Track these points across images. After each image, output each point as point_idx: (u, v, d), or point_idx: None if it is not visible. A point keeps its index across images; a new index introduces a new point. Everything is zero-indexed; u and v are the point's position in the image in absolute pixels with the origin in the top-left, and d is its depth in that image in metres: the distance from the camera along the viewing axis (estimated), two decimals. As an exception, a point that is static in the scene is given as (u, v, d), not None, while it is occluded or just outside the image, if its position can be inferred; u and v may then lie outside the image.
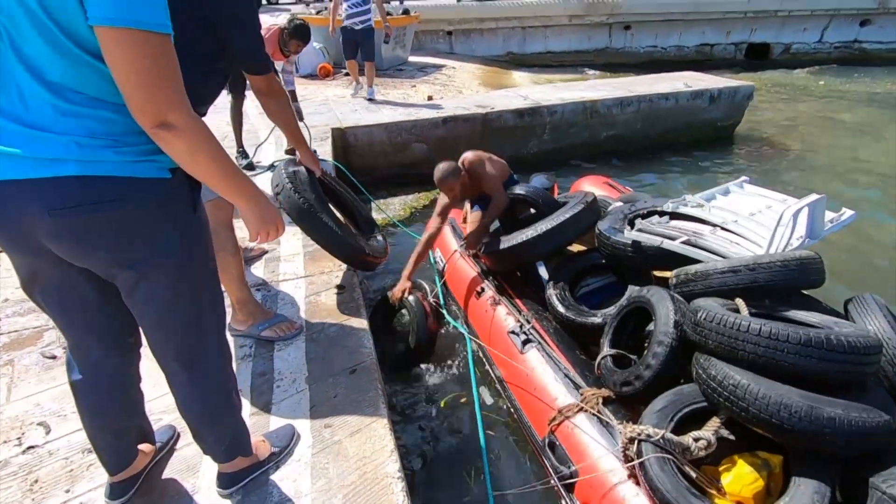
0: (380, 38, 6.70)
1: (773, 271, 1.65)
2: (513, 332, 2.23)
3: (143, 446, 1.41)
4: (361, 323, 2.17)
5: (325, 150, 4.51)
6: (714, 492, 1.40)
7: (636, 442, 1.48)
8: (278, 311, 2.21)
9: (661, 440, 1.45)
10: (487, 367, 2.47)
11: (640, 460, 1.44)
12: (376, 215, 4.19)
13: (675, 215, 2.27)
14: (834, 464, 1.36)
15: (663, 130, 6.71)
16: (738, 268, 1.69)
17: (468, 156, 2.73)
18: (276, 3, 14.45)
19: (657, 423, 1.51)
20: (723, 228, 2.06)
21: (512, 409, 2.22)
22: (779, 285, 1.65)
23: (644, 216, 2.32)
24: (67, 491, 1.43)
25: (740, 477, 1.41)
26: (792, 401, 1.31)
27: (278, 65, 4.24)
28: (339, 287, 2.42)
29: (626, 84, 7.13)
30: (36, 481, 1.45)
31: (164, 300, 1.06)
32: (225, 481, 1.39)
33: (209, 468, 1.48)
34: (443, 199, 2.75)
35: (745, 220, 2.04)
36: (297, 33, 3.67)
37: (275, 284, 2.46)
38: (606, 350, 1.91)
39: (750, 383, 1.37)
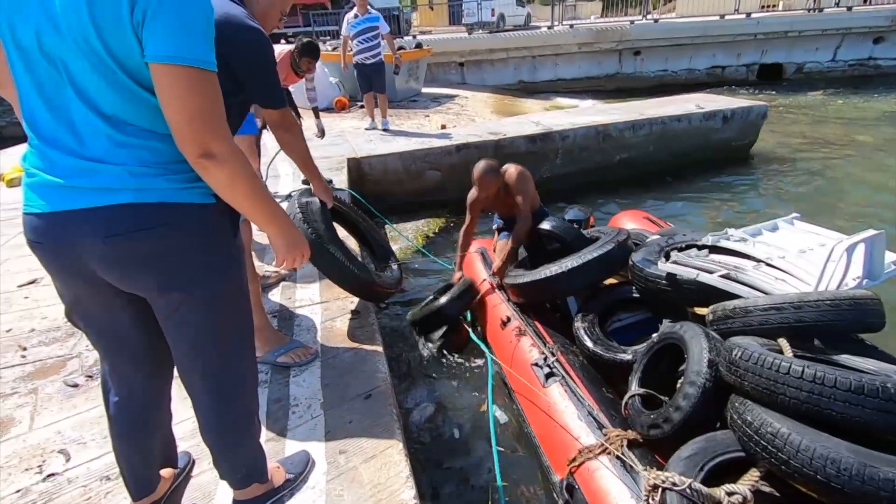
0: (391, 71, 6.89)
1: (822, 311, 1.50)
2: (536, 365, 2.15)
3: (165, 471, 1.41)
4: (376, 348, 2.17)
5: (340, 180, 4.60)
6: None
7: (660, 491, 1.35)
8: (294, 336, 2.23)
9: (687, 489, 1.32)
10: (508, 399, 2.42)
11: None
12: (397, 245, 4.25)
13: (715, 249, 2.14)
14: None
15: (676, 152, 6.70)
16: (783, 305, 1.55)
17: (510, 168, 2.79)
18: (289, 40, 15.09)
19: (685, 471, 1.38)
20: (768, 264, 1.91)
21: (531, 445, 2.14)
22: (829, 327, 1.51)
23: (682, 249, 2.20)
24: (85, 519, 1.43)
25: None
26: (841, 456, 1.16)
27: (299, 84, 4.41)
28: (354, 312, 2.43)
29: (637, 108, 7.18)
30: (55, 509, 1.46)
31: (201, 323, 1.09)
32: (241, 509, 1.38)
33: (224, 496, 1.48)
34: (473, 195, 2.87)
35: (794, 257, 1.90)
36: (306, 51, 3.79)
37: (291, 310, 2.49)
38: (635, 389, 1.81)
39: (791, 433, 1.24)
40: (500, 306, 2.69)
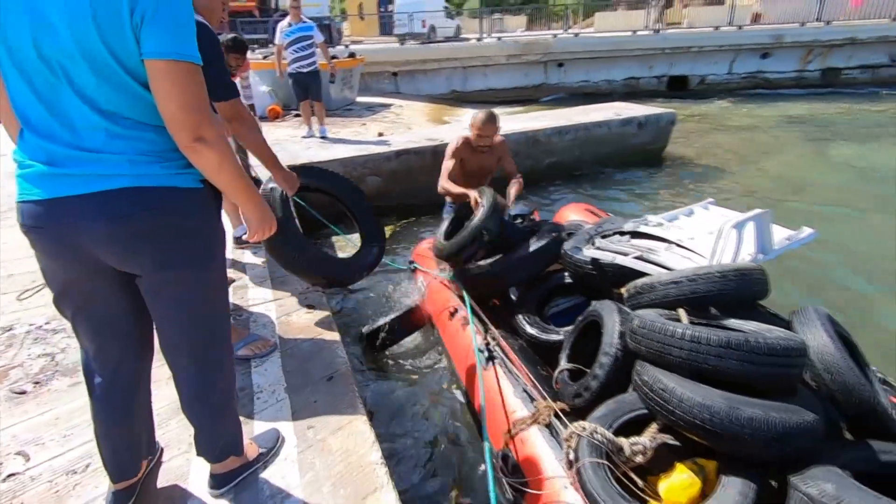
0: (326, 79, 6.96)
1: (712, 282, 1.66)
2: (479, 350, 2.28)
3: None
4: (334, 336, 2.29)
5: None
6: (650, 498, 1.40)
7: (575, 440, 1.51)
8: (252, 332, 2.30)
9: (594, 434, 1.48)
10: (456, 382, 2.60)
11: (577, 465, 1.46)
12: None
13: (636, 234, 2.33)
14: (760, 466, 1.36)
15: (599, 155, 7.27)
16: (680, 279, 1.72)
17: (499, 137, 3.05)
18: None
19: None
20: (678, 245, 2.10)
21: (476, 423, 2.27)
22: (719, 295, 1.66)
23: (606, 236, 2.37)
24: (56, 510, 1.45)
25: (676, 483, 1.42)
26: (714, 402, 1.31)
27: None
28: (309, 306, 2.54)
29: (563, 115, 7.71)
30: (21, 504, 1.47)
31: (193, 300, 1.20)
32: (217, 481, 1.47)
33: (197, 476, 1.55)
34: (459, 140, 3.02)
35: (702, 238, 2.08)
36: (232, 48, 3.82)
37: (246, 309, 2.55)
38: (563, 364, 1.97)
39: (676, 387, 1.38)
40: (449, 299, 2.85)
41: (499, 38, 14.31)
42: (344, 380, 1.99)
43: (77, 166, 1.02)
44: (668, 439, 1.48)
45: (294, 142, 6.59)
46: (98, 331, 1.22)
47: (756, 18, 15.76)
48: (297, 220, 2.48)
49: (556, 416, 1.75)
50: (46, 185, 1.03)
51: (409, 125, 9.08)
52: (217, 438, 1.41)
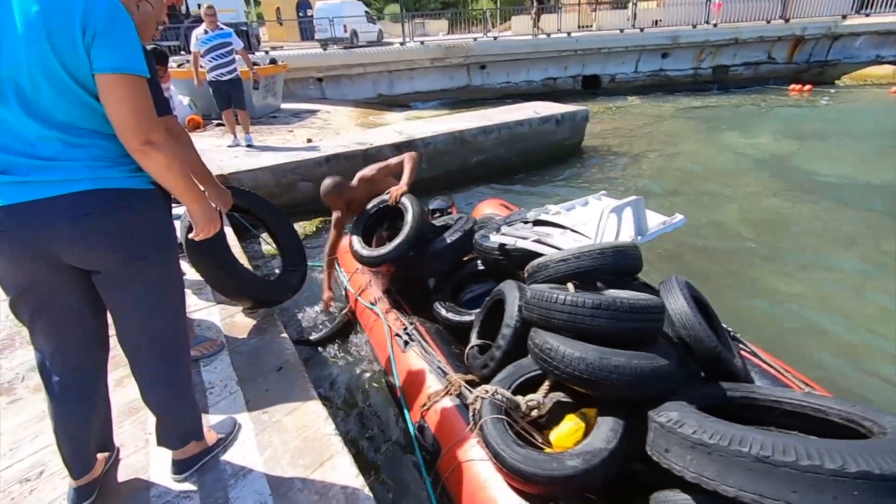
0: (249, 86, 6.86)
1: (593, 258, 1.89)
2: (398, 335, 2.44)
3: (99, 455, 1.53)
4: (280, 332, 2.40)
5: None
6: (542, 445, 1.59)
7: (479, 402, 1.68)
8: (198, 335, 2.36)
9: (495, 395, 1.67)
10: (378, 366, 2.70)
11: (480, 422, 1.61)
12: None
13: (538, 222, 2.57)
14: (629, 406, 1.55)
15: (522, 151, 7.70)
16: (568, 257, 1.94)
17: (365, 171, 2.98)
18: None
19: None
20: (572, 230, 2.36)
21: (398, 402, 2.32)
22: (600, 270, 1.89)
23: (511, 224, 2.59)
24: (13, 517, 1.48)
25: (564, 431, 1.61)
26: (587, 355, 1.50)
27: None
28: (250, 308, 2.62)
29: (487, 115, 8.09)
30: (-26, 517, 1.49)
31: (150, 292, 1.30)
32: (179, 467, 1.56)
33: (157, 467, 1.63)
34: (334, 214, 2.98)
35: (592, 223, 2.32)
36: (154, 59, 3.78)
37: (189, 315, 2.58)
38: (473, 341, 2.16)
39: (559, 345, 1.56)
40: (370, 291, 2.96)
41: (422, 42, 14.58)
42: (293, 368, 2.12)
43: (35, 173, 1.12)
44: (561, 396, 1.68)
45: (220, 151, 6.46)
46: (57, 329, 1.30)
47: (656, 24, 17.18)
48: (227, 241, 2.51)
49: (467, 387, 1.89)
50: (6, 192, 1.11)
51: (337, 130, 9.11)
52: (179, 424, 1.51)
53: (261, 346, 2.30)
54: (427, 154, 6.76)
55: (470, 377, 1.98)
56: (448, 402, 1.91)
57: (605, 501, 1.51)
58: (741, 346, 2.15)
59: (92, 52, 1.08)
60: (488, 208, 3.96)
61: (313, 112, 10.76)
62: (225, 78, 6.22)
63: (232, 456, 1.67)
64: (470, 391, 1.82)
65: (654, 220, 2.51)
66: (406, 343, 2.36)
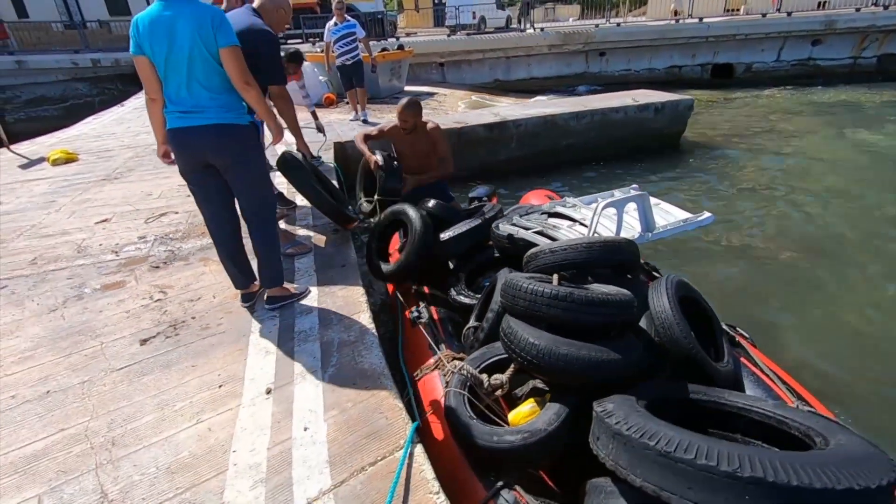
0: (368, 69, 8.03)
1: (580, 251, 1.94)
2: (411, 314, 2.62)
3: (254, 283, 2.58)
4: (348, 246, 3.35)
5: (329, 157, 5.77)
6: (500, 422, 1.70)
7: (451, 379, 1.83)
8: (296, 239, 3.40)
9: (462, 370, 1.84)
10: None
11: (444, 392, 1.74)
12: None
13: (552, 214, 2.69)
14: (578, 394, 1.59)
15: (614, 139, 7.90)
16: (556, 249, 1.99)
17: (434, 122, 3.42)
18: (285, 42, 16.24)
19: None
20: (581, 223, 2.43)
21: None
22: (587, 263, 1.91)
23: (523, 214, 2.67)
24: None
25: (521, 412, 1.71)
26: (540, 342, 1.53)
27: (292, 87, 5.53)
28: (335, 230, 3.61)
29: (582, 101, 8.39)
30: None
31: (252, 178, 2.28)
32: (271, 301, 2.55)
33: (261, 304, 2.64)
34: (388, 125, 3.48)
35: (606, 218, 2.34)
36: (292, 59, 4.85)
37: (292, 232, 3.66)
38: (472, 322, 2.30)
39: (519, 330, 1.61)
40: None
41: (541, 29, 14.87)
42: (352, 268, 3.04)
43: (196, 113, 2.11)
44: (538, 383, 1.74)
45: (342, 124, 7.75)
46: (209, 200, 2.32)
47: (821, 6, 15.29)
48: (311, 175, 3.46)
49: (446, 363, 2.03)
50: (183, 120, 2.11)
51: (447, 111, 10.03)
52: (272, 266, 2.48)
53: (334, 252, 3.26)
54: (518, 135, 7.36)
55: (459, 354, 2.15)
56: (435, 375, 2.07)
57: (554, 482, 1.66)
58: (742, 352, 2.12)
59: (217, 37, 2.02)
60: (534, 199, 4.11)
61: (431, 94, 11.82)
62: (349, 63, 7.45)
63: (302, 304, 2.63)
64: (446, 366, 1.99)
65: (677, 216, 2.53)
66: (414, 321, 2.54)
